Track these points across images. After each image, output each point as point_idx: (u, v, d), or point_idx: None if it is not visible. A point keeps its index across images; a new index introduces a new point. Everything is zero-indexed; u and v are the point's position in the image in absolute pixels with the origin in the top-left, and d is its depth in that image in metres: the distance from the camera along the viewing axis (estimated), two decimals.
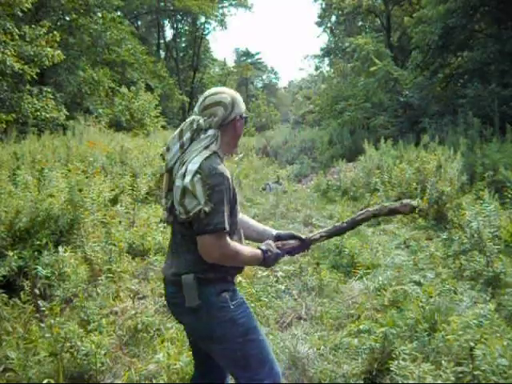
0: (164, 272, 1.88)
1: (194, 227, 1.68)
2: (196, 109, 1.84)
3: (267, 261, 1.86)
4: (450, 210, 5.58)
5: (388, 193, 7.06)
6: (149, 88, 18.08)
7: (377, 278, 3.96)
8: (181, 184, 1.67)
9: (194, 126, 1.77)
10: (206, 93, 1.85)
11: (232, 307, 1.75)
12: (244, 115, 1.88)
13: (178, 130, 1.81)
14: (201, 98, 1.85)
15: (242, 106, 1.88)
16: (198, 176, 1.65)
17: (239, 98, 1.88)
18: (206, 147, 1.74)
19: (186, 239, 1.76)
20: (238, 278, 3.52)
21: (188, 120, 1.81)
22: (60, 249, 3.70)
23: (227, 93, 1.84)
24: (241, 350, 1.76)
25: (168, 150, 1.80)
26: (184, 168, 1.69)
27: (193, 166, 1.66)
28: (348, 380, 2.61)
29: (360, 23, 23.53)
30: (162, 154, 1.86)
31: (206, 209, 1.63)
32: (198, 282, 1.71)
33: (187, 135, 1.77)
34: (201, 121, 1.77)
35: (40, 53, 10.34)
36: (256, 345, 1.81)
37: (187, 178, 1.64)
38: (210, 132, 1.77)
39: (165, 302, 3.55)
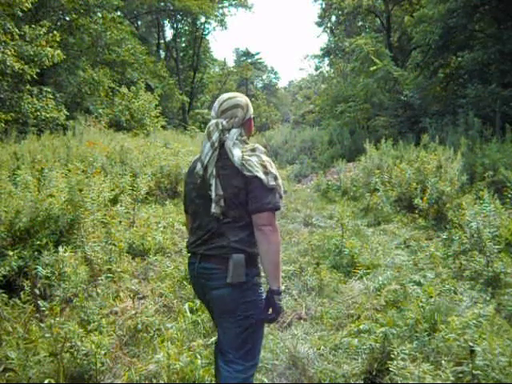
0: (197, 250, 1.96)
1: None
2: (213, 113, 2.02)
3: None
4: (450, 209, 5.58)
5: (388, 193, 7.06)
6: (149, 88, 18.04)
7: (377, 278, 3.96)
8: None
9: (220, 127, 1.94)
10: (221, 99, 2.03)
11: (259, 291, 1.92)
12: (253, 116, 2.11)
13: (206, 132, 1.96)
14: (216, 104, 2.03)
15: (252, 108, 2.11)
16: None
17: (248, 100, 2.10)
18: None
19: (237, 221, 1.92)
20: None
21: (212, 123, 1.97)
22: (60, 249, 3.69)
23: (241, 96, 2.05)
24: (248, 332, 1.89)
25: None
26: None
27: None
28: (348, 380, 2.61)
29: (360, 23, 23.49)
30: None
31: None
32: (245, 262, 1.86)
33: (215, 135, 1.93)
34: (224, 122, 1.95)
35: (40, 53, 10.31)
36: (260, 334, 1.97)
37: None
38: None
39: (165, 302, 3.56)
